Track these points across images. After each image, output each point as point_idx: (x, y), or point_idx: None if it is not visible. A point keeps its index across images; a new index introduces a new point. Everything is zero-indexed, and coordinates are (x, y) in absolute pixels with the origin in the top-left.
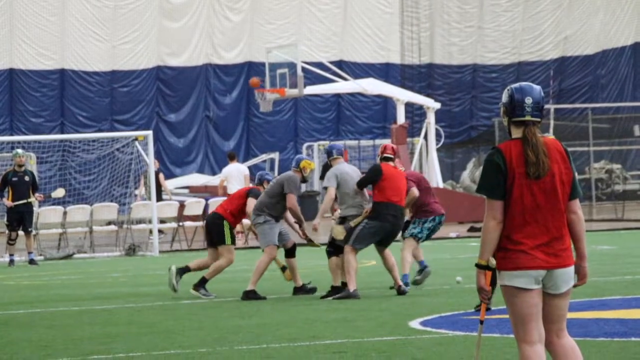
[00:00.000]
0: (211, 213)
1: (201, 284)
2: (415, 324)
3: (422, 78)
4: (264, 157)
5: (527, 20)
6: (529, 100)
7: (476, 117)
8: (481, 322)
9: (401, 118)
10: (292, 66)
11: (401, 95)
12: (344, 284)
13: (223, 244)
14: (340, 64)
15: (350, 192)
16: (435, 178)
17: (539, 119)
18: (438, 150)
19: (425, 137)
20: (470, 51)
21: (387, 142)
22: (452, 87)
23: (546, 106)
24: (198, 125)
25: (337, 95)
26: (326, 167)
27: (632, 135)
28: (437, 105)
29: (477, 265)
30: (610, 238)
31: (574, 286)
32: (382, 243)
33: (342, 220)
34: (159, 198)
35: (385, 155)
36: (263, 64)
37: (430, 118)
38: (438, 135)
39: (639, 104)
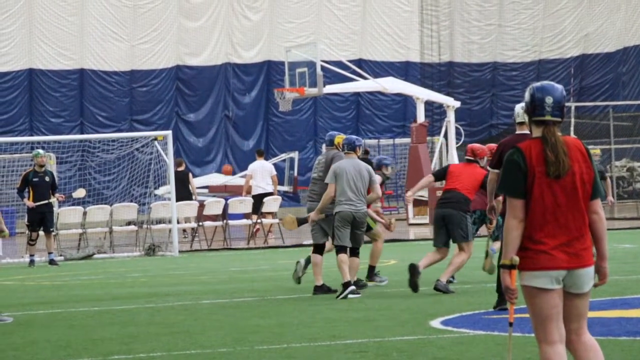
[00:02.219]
0: None
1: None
2: (436, 323)
3: (441, 76)
4: (283, 156)
5: (547, 17)
6: (549, 100)
7: (496, 115)
8: (510, 324)
9: (421, 117)
10: (311, 65)
11: (421, 94)
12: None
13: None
14: (359, 62)
15: (343, 188)
16: None
17: (559, 119)
18: (458, 148)
19: (445, 136)
20: (490, 49)
21: (407, 140)
22: (472, 86)
23: (567, 104)
24: (217, 124)
25: (357, 94)
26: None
27: None
28: (457, 104)
29: (502, 265)
30: (632, 236)
31: (594, 286)
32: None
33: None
34: (189, 198)
35: (466, 157)
36: (282, 63)
37: (450, 116)
38: (458, 133)
39: None
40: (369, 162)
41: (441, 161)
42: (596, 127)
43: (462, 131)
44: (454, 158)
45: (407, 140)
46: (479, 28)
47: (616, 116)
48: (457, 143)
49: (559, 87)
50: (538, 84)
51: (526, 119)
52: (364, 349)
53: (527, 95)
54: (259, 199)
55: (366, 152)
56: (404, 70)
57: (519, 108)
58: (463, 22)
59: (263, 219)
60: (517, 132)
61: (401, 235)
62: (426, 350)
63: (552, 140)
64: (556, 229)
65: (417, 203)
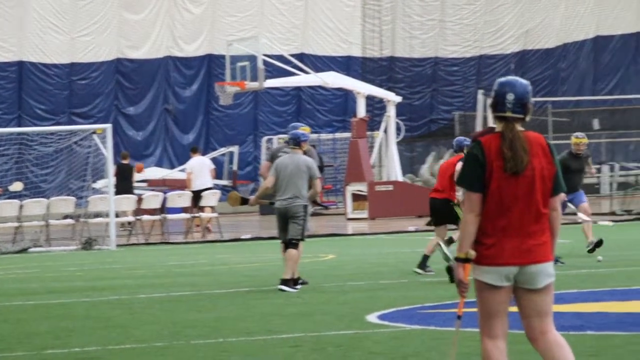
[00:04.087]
0: (432, 199)
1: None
2: (372, 317)
3: (383, 71)
4: (223, 150)
5: (488, 13)
6: (510, 97)
7: (436, 110)
8: (459, 316)
9: (361, 111)
10: (252, 59)
11: (362, 89)
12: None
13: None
14: (301, 56)
15: (280, 184)
16: (394, 172)
17: (521, 115)
18: (398, 143)
19: (385, 131)
20: (431, 44)
21: (347, 135)
22: (413, 81)
23: None
24: (157, 118)
25: (298, 89)
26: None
27: (592, 129)
28: (398, 99)
29: (457, 259)
30: (565, 232)
31: None
32: None
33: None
34: (130, 192)
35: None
36: (224, 57)
37: (391, 111)
38: (398, 128)
39: (598, 97)
40: (319, 157)
41: (380, 156)
42: (535, 122)
43: (402, 126)
44: (393, 153)
45: (347, 134)
46: (421, 23)
47: (555, 112)
48: (397, 138)
49: (524, 83)
50: (503, 79)
51: (491, 113)
52: (299, 344)
53: (492, 90)
54: (198, 194)
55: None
56: (346, 65)
57: None
58: (405, 17)
59: (202, 213)
60: (490, 125)
61: (339, 229)
62: (362, 344)
63: (510, 137)
64: (510, 225)
65: (356, 198)
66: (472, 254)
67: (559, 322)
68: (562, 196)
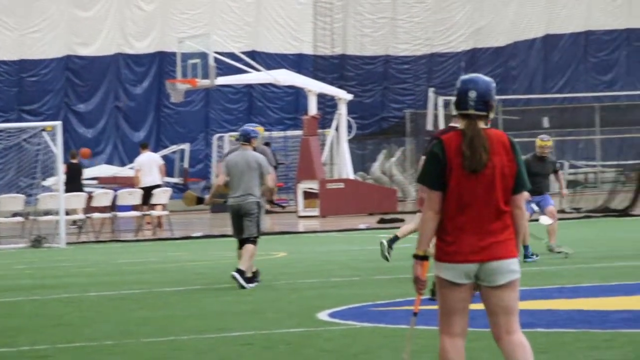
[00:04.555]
0: None
1: None
2: (323, 315)
3: (334, 69)
4: (174, 148)
5: (439, 11)
6: (472, 94)
7: (387, 108)
8: (415, 314)
9: (313, 109)
10: (204, 56)
11: (313, 86)
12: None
13: None
14: (252, 54)
15: (233, 181)
16: (345, 169)
17: (484, 113)
18: (349, 141)
19: (337, 129)
20: (382, 42)
21: (298, 133)
22: (364, 79)
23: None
24: (108, 115)
25: (249, 86)
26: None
27: (541, 127)
28: (349, 97)
29: (414, 256)
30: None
31: None
32: None
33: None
34: (80, 191)
35: None
36: (174, 54)
37: (342, 109)
38: (349, 126)
39: (548, 96)
40: (273, 155)
41: (332, 154)
42: None
43: (354, 124)
44: (344, 150)
45: (298, 132)
46: (372, 21)
47: (505, 110)
48: (348, 136)
49: (486, 80)
50: (466, 76)
51: (454, 111)
52: (250, 341)
53: (456, 87)
54: (148, 191)
55: (267, 144)
56: (297, 63)
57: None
58: (356, 15)
59: (152, 211)
60: (451, 124)
61: (291, 227)
62: (313, 342)
63: (470, 135)
64: (470, 222)
65: (308, 195)
66: (431, 252)
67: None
68: (526, 195)
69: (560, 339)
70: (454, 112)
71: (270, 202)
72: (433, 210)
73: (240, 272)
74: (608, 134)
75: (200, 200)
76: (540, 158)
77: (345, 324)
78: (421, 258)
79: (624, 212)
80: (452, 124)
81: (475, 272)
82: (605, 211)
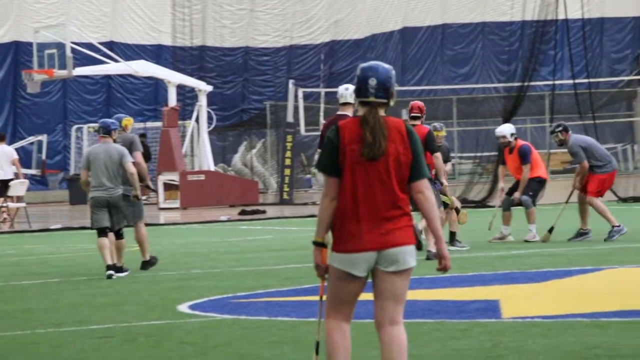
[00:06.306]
0: None
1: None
2: (184, 307)
3: (194, 60)
4: (31, 139)
5: (298, 3)
6: (372, 82)
7: (248, 100)
8: (321, 298)
9: (173, 100)
10: (61, 46)
11: (172, 78)
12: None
13: None
14: (110, 45)
15: (96, 174)
16: (206, 161)
17: (384, 100)
18: (210, 133)
19: (197, 120)
20: (242, 34)
21: (158, 124)
22: (224, 70)
23: (317, 90)
24: None
25: (108, 77)
26: None
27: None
28: (209, 88)
29: (314, 243)
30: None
31: (437, 270)
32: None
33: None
34: None
35: (412, 114)
36: (31, 44)
37: (202, 101)
38: (210, 118)
39: (406, 88)
40: (146, 147)
41: (192, 145)
42: None
43: (214, 115)
44: (205, 142)
45: (158, 124)
46: (231, 12)
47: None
48: (208, 127)
49: (386, 67)
50: (365, 64)
51: (353, 98)
52: (110, 334)
53: (355, 75)
54: (2, 184)
55: (143, 135)
56: (156, 54)
57: (343, 89)
58: (215, 6)
59: (9, 203)
60: (339, 112)
61: (151, 219)
62: (173, 334)
63: (372, 122)
64: (367, 209)
65: (168, 187)
66: (329, 239)
67: (369, 310)
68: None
69: (418, 329)
70: (342, 100)
71: (147, 187)
72: (329, 196)
73: (114, 268)
74: (465, 126)
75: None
76: None
77: (206, 316)
78: (320, 245)
79: (481, 203)
80: (340, 112)
81: (375, 259)
82: (462, 202)
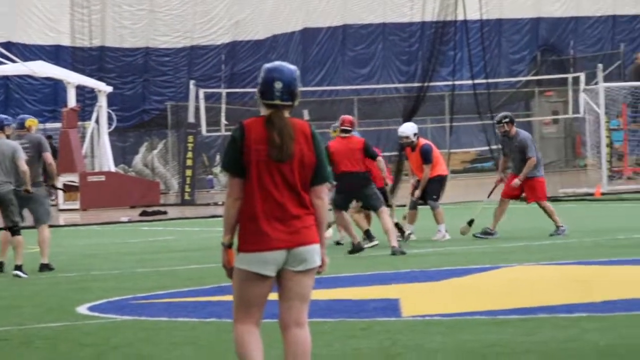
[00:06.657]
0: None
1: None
2: (82, 309)
3: (93, 61)
4: None
5: (198, 4)
6: (278, 85)
7: (149, 100)
8: None
9: (72, 101)
10: None
11: (72, 78)
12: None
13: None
14: (8, 45)
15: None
16: (106, 162)
17: (289, 103)
18: (110, 134)
19: (97, 121)
20: (142, 34)
21: (58, 125)
22: (123, 71)
23: (218, 90)
24: None
25: (5, 78)
26: None
27: (302, 119)
28: (109, 89)
29: (223, 244)
30: None
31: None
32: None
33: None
34: None
35: (342, 127)
36: None
37: (102, 101)
38: (110, 118)
39: (307, 89)
40: (53, 147)
41: (92, 146)
42: (247, 113)
43: (114, 116)
44: (105, 143)
45: (58, 125)
46: (131, 13)
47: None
48: (109, 128)
49: (291, 69)
50: (270, 65)
51: (259, 100)
52: (6, 337)
53: (260, 77)
54: None
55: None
56: (55, 54)
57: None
58: (114, 6)
59: None
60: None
61: (52, 221)
62: (71, 336)
63: (280, 125)
64: (273, 210)
65: (68, 188)
66: (234, 240)
67: (268, 310)
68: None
69: (319, 329)
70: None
71: (52, 186)
72: (232, 196)
73: (19, 268)
74: (366, 126)
75: None
76: None
77: (105, 317)
78: (227, 246)
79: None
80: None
81: (284, 258)
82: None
